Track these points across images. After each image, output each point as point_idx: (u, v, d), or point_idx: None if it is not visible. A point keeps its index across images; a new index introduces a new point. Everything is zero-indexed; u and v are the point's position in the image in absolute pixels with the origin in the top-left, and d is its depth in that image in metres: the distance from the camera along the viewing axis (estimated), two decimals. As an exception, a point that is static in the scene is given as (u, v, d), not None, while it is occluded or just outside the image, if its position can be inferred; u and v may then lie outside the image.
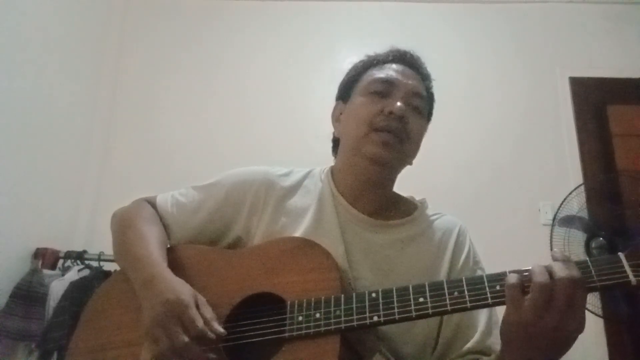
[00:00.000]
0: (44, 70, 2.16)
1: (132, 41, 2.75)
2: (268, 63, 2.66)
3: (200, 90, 2.63)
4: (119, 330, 0.84)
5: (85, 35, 2.49)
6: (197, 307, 0.75)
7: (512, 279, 0.64)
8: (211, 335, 0.72)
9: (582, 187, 2.27)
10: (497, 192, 2.36)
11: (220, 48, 2.71)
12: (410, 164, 0.96)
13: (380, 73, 0.93)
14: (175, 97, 2.62)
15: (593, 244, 2.12)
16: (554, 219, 2.22)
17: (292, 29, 2.74)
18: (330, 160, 1.03)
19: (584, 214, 2.20)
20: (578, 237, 2.18)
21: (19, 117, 2.00)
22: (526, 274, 0.65)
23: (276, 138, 2.45)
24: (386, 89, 0.90)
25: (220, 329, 0.74)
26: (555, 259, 0.64)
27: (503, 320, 0.67)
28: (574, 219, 2.18)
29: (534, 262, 0.65)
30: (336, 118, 1.00)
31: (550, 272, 0.63)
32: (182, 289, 0.76)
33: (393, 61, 0.96)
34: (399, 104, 0.87)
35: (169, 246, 0.93)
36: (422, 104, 0.92)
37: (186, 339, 0.70)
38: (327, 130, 1.02)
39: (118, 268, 0.96)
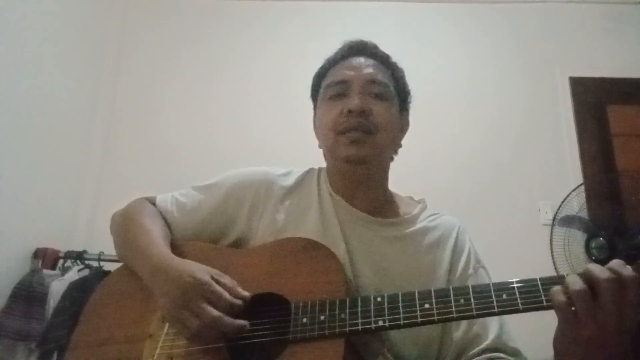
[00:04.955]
0: (44, 71, 2.15)
1: (132, 41, 2.74)
2: (268, 63, 2.66)
3: (201, 91, 2.63)
4: (120, 326, 0.84)
5: (85, 35, 2.49)
6: (214, 280, 0.75)
7: (557, 294, 0.60)
8: (239, 302, 0.74)
9: (582, 187, 2.28)
10: (497, 192, 2.36)
11: (220, 48, 2.71)
12: (396, 152, 0.96)
13: (333, 76, 0.94)
14: (175, 97, 2.62)
15: (593, 244, 2.12)
16: (554, 219, 2.22)
17: (292, 29, 2.74)
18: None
19: (584, 214, 2.20)
20: (578, 237, 2.19)
21: (19, 117, 2.00)
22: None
23: (276, 138, 2.44)
24: (342, 89, 0.91)
25: (244, 292, 0.76)
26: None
27: (558, 337, 0.63)
28: (574, 219, 2.18)
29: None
30: (315, 127, 1.01)
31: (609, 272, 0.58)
32: (195, 268, 0.77)
33: (344, 57, 0.96)
34: (355, 100, 0.87)
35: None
36: (381, 89, 0.91)
37: (216, 312, 0.71)
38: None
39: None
